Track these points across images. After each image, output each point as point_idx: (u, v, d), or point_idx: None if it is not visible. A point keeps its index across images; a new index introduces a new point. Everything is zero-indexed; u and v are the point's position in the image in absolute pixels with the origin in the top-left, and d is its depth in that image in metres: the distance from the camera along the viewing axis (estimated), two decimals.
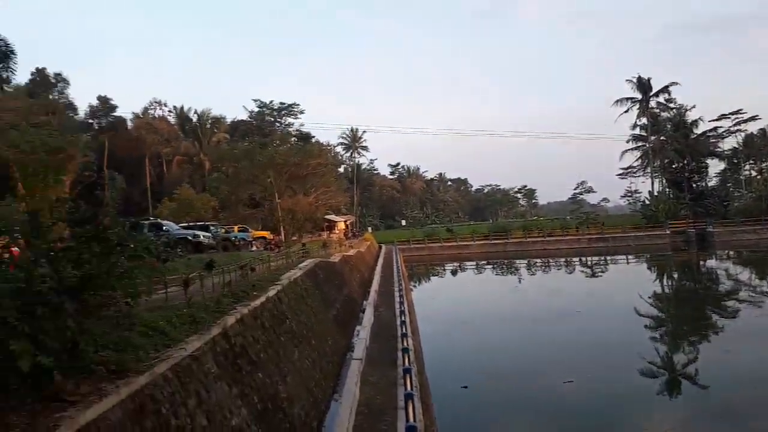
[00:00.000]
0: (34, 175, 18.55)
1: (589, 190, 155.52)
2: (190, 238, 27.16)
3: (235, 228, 39.39)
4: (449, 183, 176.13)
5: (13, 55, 19.12)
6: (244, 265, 17.56)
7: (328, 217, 69.46)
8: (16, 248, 7.30)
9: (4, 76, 20.05)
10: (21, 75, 64.72)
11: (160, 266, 8.58)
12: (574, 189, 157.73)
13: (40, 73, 64.30)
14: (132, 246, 7.69)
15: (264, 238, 41.33)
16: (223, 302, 12.43)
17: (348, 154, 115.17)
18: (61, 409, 5.63)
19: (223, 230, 36.61)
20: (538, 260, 67.37)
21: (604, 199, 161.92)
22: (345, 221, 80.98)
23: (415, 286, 50.83)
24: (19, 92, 50.10)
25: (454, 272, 66.37)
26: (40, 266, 6.53)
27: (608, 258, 66.31)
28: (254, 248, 36.18)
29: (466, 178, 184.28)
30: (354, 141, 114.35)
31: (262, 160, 53.43)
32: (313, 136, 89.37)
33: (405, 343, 15.43)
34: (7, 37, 18.71)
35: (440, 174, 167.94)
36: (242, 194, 57.26)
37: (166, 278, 11.66)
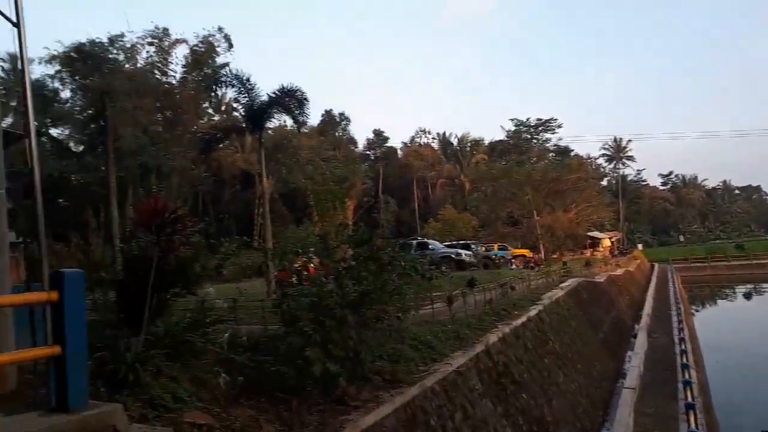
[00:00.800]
0: (325, 202, 21.52)
1: None
2: (453, 256, 28.24)
3: (495, 246, 39.81)
4: (736, 192, 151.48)
5: (306, 102, 22.43)
6: (505, 283, 17.62)
7: (590, 234, 65.66)
8: (312, 266, 8.52)
9: (301, 120, 23.58)
10: (313, 117, 76.15)
11: (426, 283, 9.12)
12: None
13: (328, 114, 74.80)
14: (402, 264, 8.33)
15: (524, 256, 40.91)
16: (485, 319, 12.64)
17: (611, 166, 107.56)
18: (345, 412, 6.34)
19: (484, 248, 37.28)
20: None
21: None
22: (610, 238, 75.44)
23: (696, 311, 44.73)
24: (312, 132, 58.82)
25: (747, 295, 56.57)
26: (328, 283, 7.50)
27: None
28: (514, 266, 36.02)
29: (758, 186, 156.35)
30: (618, 151, 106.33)
31: (519, 178, 53.29)
32: (572, 150, 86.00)
33: (686, 375, 13.68)
34: (301, 86, 22.07)
35: (724, 182, 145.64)
36: (501, 212, 57.73)
37: (431, 295, 12.33)
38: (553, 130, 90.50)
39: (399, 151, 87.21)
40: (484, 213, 59.07)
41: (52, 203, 29.20)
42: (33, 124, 5.36)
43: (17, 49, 5.36)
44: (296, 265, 8.77)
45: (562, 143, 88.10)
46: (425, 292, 11.16)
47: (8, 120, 32.89)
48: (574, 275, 28.62)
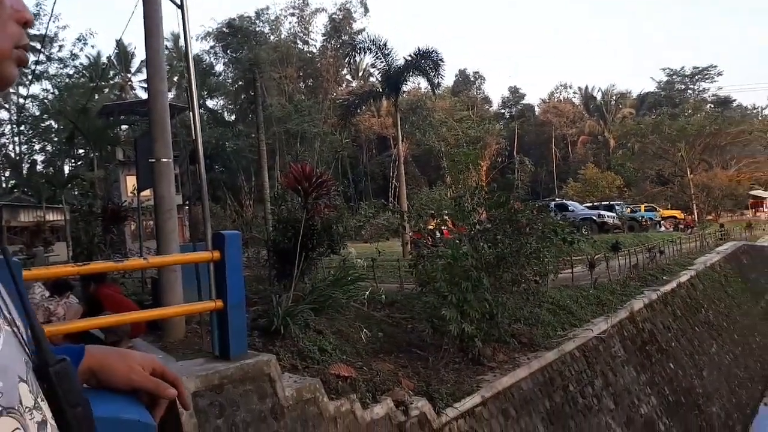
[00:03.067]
0: (458, 163, 21.40)
1: None
2: (594, 218, 26.93)
3: (642, 207, 37.15)
4: None
5: (442, 63, 22.23)
6: (652, 247, 16.47)
7: (753, 192, 58.70)
8: (446, 229, 8.60)
9: (436, 81, 23.45)
10: (447, 77, 75.31)
11: (566, 246, 8.81)
12: None
13: (461, 73, 73.50)
14: (540, 227, 8.12)
15: (674, 217, 37.80)
16: (629, 285, 12.00)
17: None
18: (481, 372, 6.42)
19: (629, 210, 35.01)
20: None
21: None
22: None
23: None
24: (446, 93, 58.31)
25: None
26: (463, 245, 7.53)
27: None
28: (663, 229, 33.46)
29: None
30: None
31: (671, 133, 48.80)
32: (733, 100, 76.77)
33: None
34: (437, 48, 21.86)
35: None
36: (649, 171, 53.58)
37: (571, 258, 11.91)
38: (713, 78, 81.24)
39: (536, 109, 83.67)
40: (630, 172, 55.11)
41: (209, 169, 32.05)
42: (196, 97, 5.90)
43: (180, 29, 5.90)
44: (431, 227, 8.90)
45: (722, 92, 78.98)
46: (565, 255, 10.79)
47: (171, 94, 36.38)
48: (732, 238, 25.98)
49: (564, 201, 31.85)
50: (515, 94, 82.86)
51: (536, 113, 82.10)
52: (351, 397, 5.04)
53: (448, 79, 73.01)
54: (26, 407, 0.58)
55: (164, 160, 6.42)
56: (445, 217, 9.16)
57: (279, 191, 9.69)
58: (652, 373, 9.63)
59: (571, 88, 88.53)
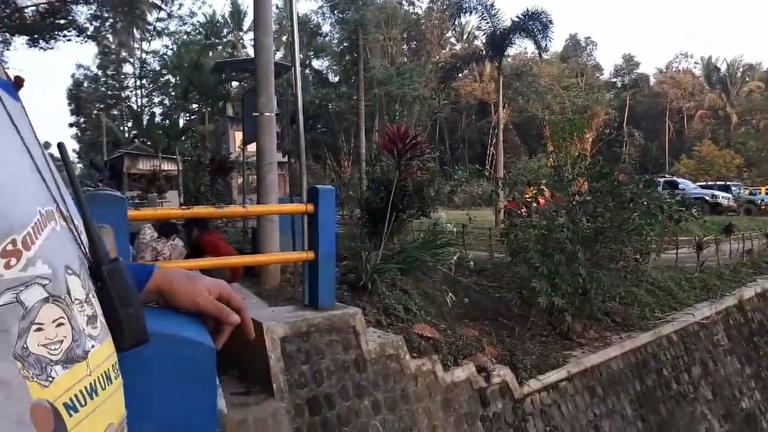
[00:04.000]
0: (562, 132, 20.51)
1: None
2: (707, 198, 25.10)
3: (763, 189, 34.00)
4: None
5: (551, 25, 21.20)
6: None
7: None
8: (542, 199, 8.31)
9: (543, 45, 22.43)
10: (556, 42, 71.84)
11: (673, 225, 8.26)
12: None
13: (572, 38, 69.75)
14: (645, 203, 7.66)
15: None
16: (740, 271, 11.13)
17: None
18: (569, 347, 6.25)
19: (747, 192, 32.19)
20: None
21: None
22: None
23: None
24: (554, 59, 55.73)
25: None
26: (559, 216, 7.27)
27: None
28: None
29: None
30: None
31: None
32: None
33: None
34: (545, 9, 20.85)
35: None
36: None
37: (677, 238, 11.20)
38: None
39: (651, 78, 77.99)
40: (753, 151, 50.49)
41: (311, 129, 32.92)
42: (298, 54, 6.01)
43: None
44: (526, 196, 8.64)
45: None
46: (670, 234, 10.15)
47: (279, 54, 37.43)
48: None
49: (674, 178, 29.84)
50: (629, 62, 77.55)
51: (651, 83, 76.54)
52: (433, 358, 5.09)
53: (557, 44, 69.68)
54: (75, 299, 0.59)
55: (267, 114, 6.64)
56: (543, 187, 8.86)
57: (374, 152, 9.78)
58: (758, 367, 8.95)
59: (692, 57, 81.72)
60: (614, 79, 78.11)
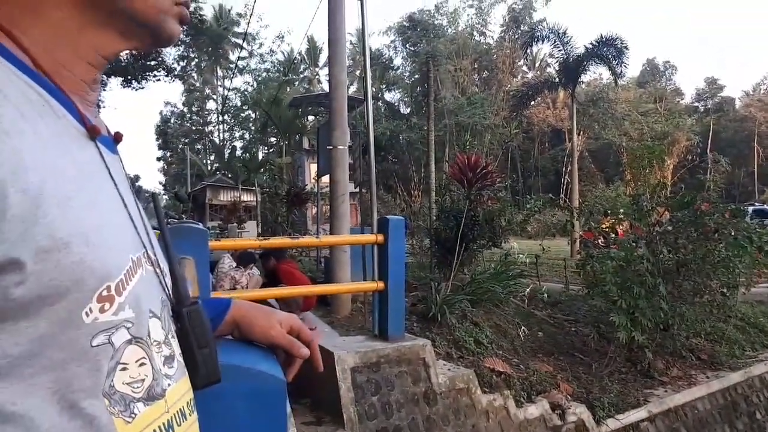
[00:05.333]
0: (641, 159, 19.77)
1: None
2: None
3: None
4: None
5: (626, 51, 20.72)
6: None
7: None
8: (620, 229, 8.03)
9: (619, 71, 21.93)
10: (633, 67, 69.81)
11: (763, 258, 7.73)
12: None
13: (650, 62, 67.58)
14: (732, 233, 7.23)
15: None
16: None
17: None
18: (650, 386, 5.93)
19: None
20: None
21: None
22: None
23: None
24: (630, 84, 54.10)
25: None
26: (638, 247, 6.98)
27: None
28: None
29: None
30: None
31: None
32: None
33: None
34: (621, 35, 20.43)
35: None
36: None
37: None
38: None
39: (737, 102, 73.89)
40: None
41: (383, 159, 33.39)
42: (371, 90, 6.19)
43: (359, 20, 6.22)
44: (603, 226, 8.37)
45: None
46: (762, 267, 9.49)
47: (353, 88, 38.46)
48: None
49: (765, 206, 27.93)
50: (712, 85, 73.96)
51: (736, 107, 72.54)
52: (505, 393, 4.98)
53: (633, 69, 67.70)
54: (155, 341, 0.63)
55: (341, 147, 6.83)
56: (621, 216, 8.56)
57: (444, 182, 9.81)
58: None
59: None
60: (696, 104, 74.71)
